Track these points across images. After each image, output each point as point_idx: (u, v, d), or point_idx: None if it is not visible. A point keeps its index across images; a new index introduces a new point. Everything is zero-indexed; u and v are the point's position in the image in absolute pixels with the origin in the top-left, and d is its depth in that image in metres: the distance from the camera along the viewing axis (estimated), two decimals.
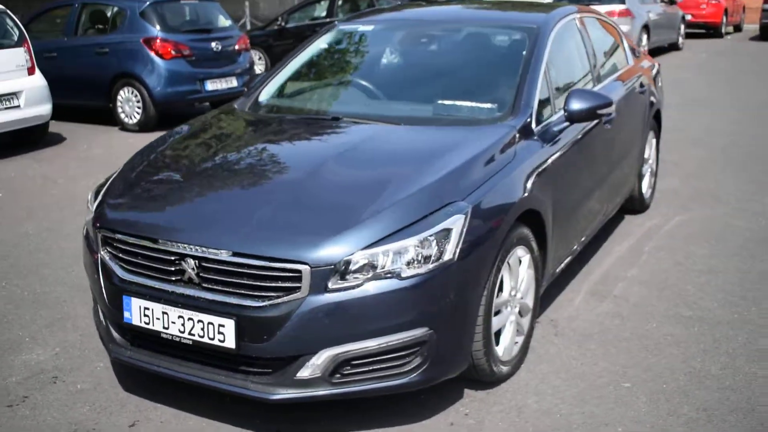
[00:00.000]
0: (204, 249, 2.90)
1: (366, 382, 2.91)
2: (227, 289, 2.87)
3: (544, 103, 3.89)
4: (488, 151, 3.38)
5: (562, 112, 3.87)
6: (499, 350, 3.28)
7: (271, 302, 2.79)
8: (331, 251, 2.81)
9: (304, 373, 2.84)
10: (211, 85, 9.77)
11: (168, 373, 3.07)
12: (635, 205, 5.72)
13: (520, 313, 3.46)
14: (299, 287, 2.78)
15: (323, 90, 4.57)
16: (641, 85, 5.37)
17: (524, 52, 4.04)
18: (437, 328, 2.91)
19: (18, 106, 8.13)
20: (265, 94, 4.38)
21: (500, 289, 3.27)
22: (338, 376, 2.87)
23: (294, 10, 14.40)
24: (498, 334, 3.30)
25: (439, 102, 3.99)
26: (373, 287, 2.80)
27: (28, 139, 8.67)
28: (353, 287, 2.80)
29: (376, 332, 2.84)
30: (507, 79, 3.93)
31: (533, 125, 3.71)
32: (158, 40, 9.33)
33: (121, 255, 3.14)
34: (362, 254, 2.82)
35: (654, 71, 5.99)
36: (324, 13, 13.84)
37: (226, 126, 4.13)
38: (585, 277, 4.62)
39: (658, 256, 4.96)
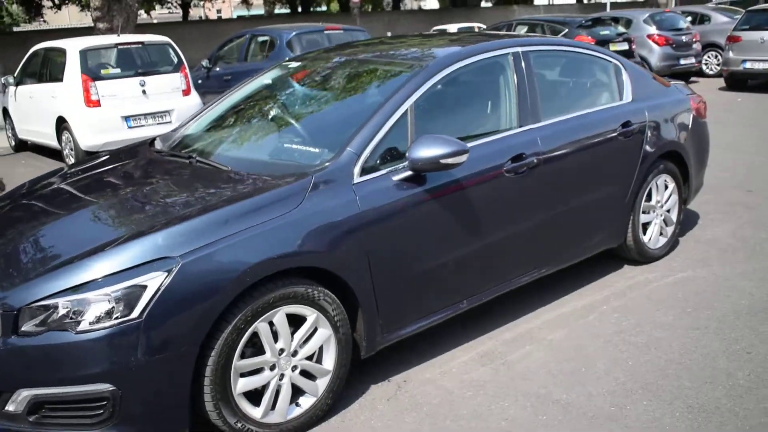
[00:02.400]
0: None
1: (62, 427, 2.58)
2: None
3: (391, 150, 3.18)
4: (255, 203, 2.81)
5: None
6: None
7: None
8: (15, 297, 2.54)
9: (10, 407, 2.58)
10: None
11: None
12: (631, 254, 4.53)
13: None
14: None
15: (214, 129, 3.97)
16: (626, 125, 4.22)
17: (391, 92, 3.35)
18: (123, 386, 2.49)
19: (169, 122, 8.74)
20: (183, 131, 4.04)
21: (259, 352, 2.77)
22: (36, 416, 2.57)
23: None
24: None
25: (283, 145, 3.45)
26: (51, 337, 2.48)
27: None
28: (35, 334, 2.50)
29: (62, 381, 2.50)
30: (359, 121, 3.25)
31: (355, 174, 3.04)
32: None
33: None
34: (43, 303, 2.50)
35: (679, 108, 4.72)
36: None
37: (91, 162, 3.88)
38: (497, 328, 3.74)
39: (604, 319, 3.85)
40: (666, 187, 4.65)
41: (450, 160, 3.08)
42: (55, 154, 9.35)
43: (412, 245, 3.17)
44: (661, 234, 4.71)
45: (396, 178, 3.11)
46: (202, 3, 34.51)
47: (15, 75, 9.75)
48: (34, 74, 9.28)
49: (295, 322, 2.89)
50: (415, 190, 3.15)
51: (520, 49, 3.83)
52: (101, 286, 2.51)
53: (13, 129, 10.10)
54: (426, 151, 3.06)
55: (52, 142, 8.92)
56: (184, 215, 2.76)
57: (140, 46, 8.77)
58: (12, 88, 9.73)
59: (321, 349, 2.98)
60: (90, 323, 2.48)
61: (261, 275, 2.69)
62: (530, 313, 3.98)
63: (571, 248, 4.06)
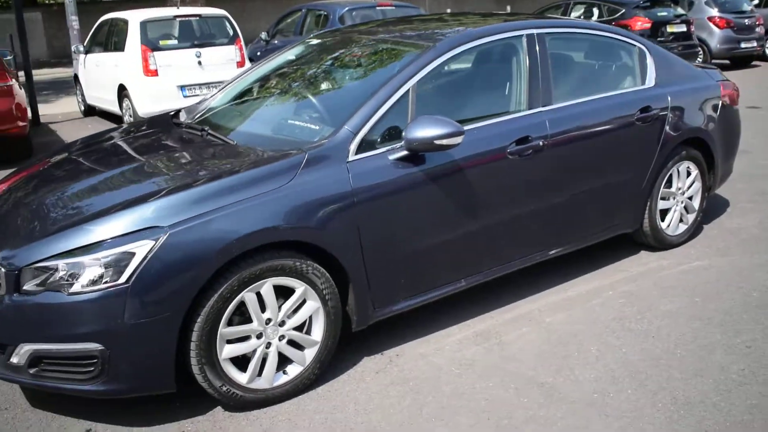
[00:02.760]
0: None
1: (58, 381, 2.70)
2: None
3: (391, 129, 3.11)
4: (247, 177, 2.81)
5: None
6: None
7: None
8: (19, 257, 2.64)
9: (14, 359, 2.71)
10: None
11: None
12: (648, 240, 4.34)
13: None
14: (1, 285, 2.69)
15: (234, 103, 3.97)
16: (646, 110, 4.02)
17: (395, 71, 3.27)
18: (111, 346, 2.57)
19: None
20: (207, 104, 4.04)
21: (247, 321, 2.79)
22: (36, 369, 2.69)
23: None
24: None
25: (287, 122, 3.42)
26: (47, 297, 2.57)
27: None
28: (34, 294, 2.60)
29: (56, 338, 2.61)
30: (362, 99, 3.17)
31: (351, 152, 3.01)
32: None
33: None
34: (43, 264, 2.59)
35: (707, 95, 4.44)
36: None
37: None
38: (495, 309, 3.66)
39: (608, 304, 3.72)
40: (688, 174, 4.43)
41: (445, 141, 3.00)
42: (118, 119, 9.64)
43: (407, 223, 3.13)
44: (681, 221, 4.50)
45: (393, 157, 3.06)
46: None
47: (85, 44, 10.05)
48: (101, 43, 9.54)
49: (285, 293, 2.91)
50: (412, 169, 3.09)
51: (535, 31, 3.68)
52: (95, 250, 2.58)
53: (82, 95, 10.45)
54: (422, 131, 2.99)
55: (114, 108, 9.20)
56: (178, 187, 2.79)
57: (198, 18, 8.89)
58: (82, 56, 10.04)
59: (310, 320, 2.99)
60: (82, 286, 2.56)
61: (246, 248, 2.71)
62: (535, 295, 3.88)
63: (580, 231, 3.93)
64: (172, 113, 4.07)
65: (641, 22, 11.02)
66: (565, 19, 4.26)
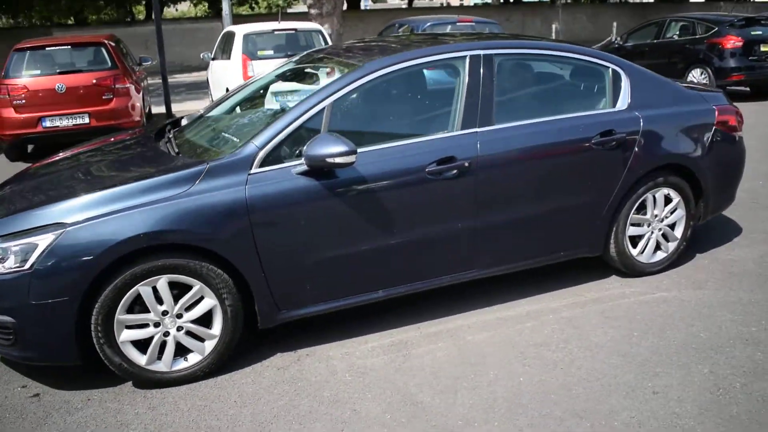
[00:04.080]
0: None
1: None
2: None
3: (301, 145, 2.90)
4: (151, 183, 2.77)
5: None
6: None
7: None
8: None
9: None
10: None
11: None
12: (617, 266, 3.76)
13: None
14: None
15: (210, 115, 3.84)
16: (607, 134, 3.43)
17: (317, 90, 3.03)
18: (20, 319, 2.68)
19: None
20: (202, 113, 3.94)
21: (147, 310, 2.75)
22: None
23: (632, 31, 12.17)
24: None
25: (222, 134, 3.30)
26: None
27: None
28: None
29: None
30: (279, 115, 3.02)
31: (255, 165, 2.85)
32: None
33: None
34: None
35: (696, 120, 3.72)
36: (653, 37, 11.42)
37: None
38: (408, 323, 3.33)
39: (539, 329, 3.25)
40: (669, 201, 3.77)
41: (337, 160, 2.78)
42: None
43: (309, 234, 2.93)
44: (660, 249, 3.85)
45: (295, 171, 2.89)
46: None
47: (212, 52, 10.62)
48: (222, 51, 10.02)
49: (187, 289, 2.85)
50: (315, 183, 2.89)
51: (482, 52, 3.28)
52: (16, 238, 2.69)
53: (211, 96, 11.06)
54: (317, 149, 2.80)
55: None
56: (90, 189, 2.83)
57: (294, 32, 9.02)
58: (211, 62, 10.62)
59: (211, 314, 2.91)
60: (5, 267, 2.68)
61: (135, 247, 2.68)
62: (475, 310, 3.51)
63: (522, 254, 3.47)
64: (175, 120, 4.12)
65: (733, 41, 9.60)
66: (528, 39, 3.73)
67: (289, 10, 31.16)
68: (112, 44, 7.78)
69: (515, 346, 3.14)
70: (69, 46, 7.39)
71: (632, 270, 3.80)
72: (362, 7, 32.41)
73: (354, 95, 3.07)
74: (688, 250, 4.09)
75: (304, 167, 2.87)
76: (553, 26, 21.32)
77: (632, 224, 3.72)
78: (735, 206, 4.94)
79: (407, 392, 2.81)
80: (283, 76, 3.83)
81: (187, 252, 2.79)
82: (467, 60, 3.26)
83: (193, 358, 2.94)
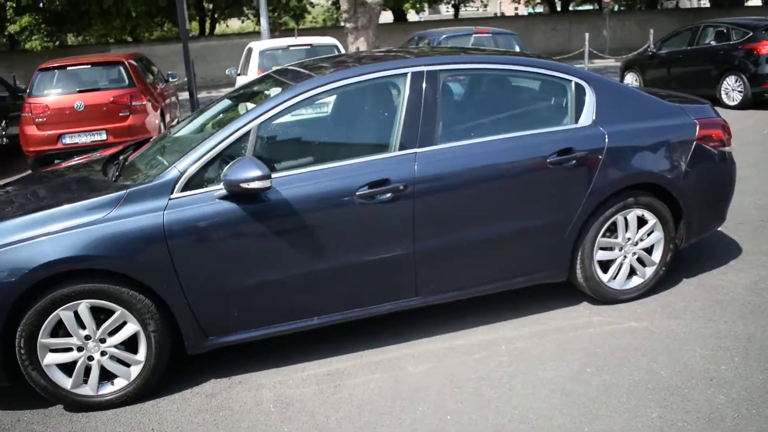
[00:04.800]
0: None
1: None
2: None
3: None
4: (72, 209, 2.73)
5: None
6: None
7: None
8: None
9: None
10: None
11: None
12: (587, 292, 3.48)
13: None
14: None
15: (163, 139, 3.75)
16: (566, 152, 3.16)
17: (244, 112, 2.92)
18: None
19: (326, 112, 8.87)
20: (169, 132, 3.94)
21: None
22: None
23: (667, 38, 11.58)
24: None
25: (157, 158, 3.21)
26: None
27: None
28: None
29: None
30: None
31: (176, 189, 2.77)
32: None
33: None
34: None
35: (673, 135, 3.38)
36: (686, 44, 10.80)
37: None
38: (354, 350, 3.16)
39: (486, 361, 3.01)
40: (644, 223, 3.46)
41: (252, 185, 2.67)
42: None
43: (234, 259, 2.83)
44: (636, 274, 3.54)
45: (217, 195, 2.79)
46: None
47: (239, 68, 10.76)
48: (243, 67, 10.11)
49: (110, 314, 2.79)
50: (236, 208, 2.78)
51: (426, 69, 3.10)
52: None
53: None
54: (233, 173, 2.70)
55: None
56: (16, 214, 2.82)
57: (309, 47, 9.01)
58: (237, 78, 10.76)
59: (136, 339, 2.85)
60: None
61: (54, 271, 2.65)
62: (423, 338, 3.30)
63: (472, 280, 3.23)
64: (146, 139, 4.08)
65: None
66: (481, 54, 3.51)
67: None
68: (132, 63, 7.99)
69: (454, 380, 2.92)
70: (89, 66, 7.64)
71: (603, 297, 3.50)
72: (419, 18, 32.22)
73: (283, 117, 2.95)
74: (673, 274, 3.75)
75: (223, 192, 2.78)
76: (603, 32, 20.64)
77: (601, 248, 3.43)
78: (741, 225, 4.53)
79: (325, 427, 2.65)
80: (239, 96, 3.75)
81: (110, 277, 2.74)
82: (408, 77, 3.08)
83: (120, 383, 2.88)
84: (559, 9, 29.86)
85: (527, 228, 3.22)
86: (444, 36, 9.24)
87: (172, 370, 3.05)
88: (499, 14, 44.80)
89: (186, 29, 9.64)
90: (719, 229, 4.47)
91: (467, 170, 3.06)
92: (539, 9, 34.92)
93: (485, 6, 35.39)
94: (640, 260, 3.53)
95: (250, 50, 9.63)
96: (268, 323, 2.99)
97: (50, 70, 7.51)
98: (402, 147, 3.01)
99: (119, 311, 2.77)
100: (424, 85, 3.08)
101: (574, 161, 3.21)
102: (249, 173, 2.66)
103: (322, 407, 2.79)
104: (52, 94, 7.36)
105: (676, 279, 3.76)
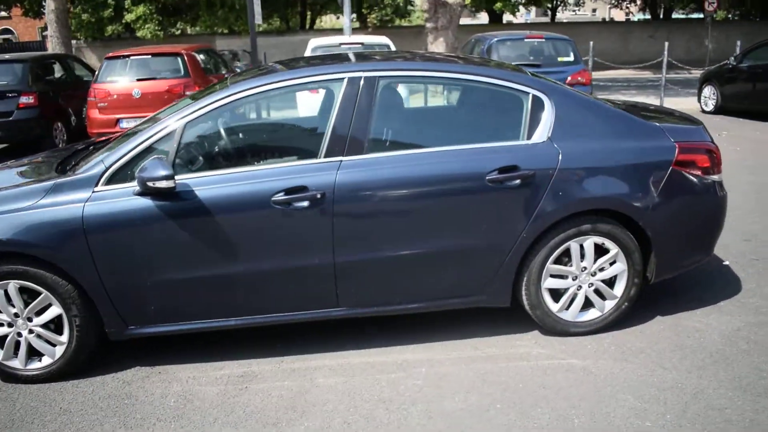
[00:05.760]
0: None
1: None
2: None
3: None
4: (6, 194, 2.87)
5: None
6: None
7: None
8: None
9: None
10: None
11: None
12: (537, 321, 3.18)
13: None
14: None
15: None
16: (509, 170, 2.87)
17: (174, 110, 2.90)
18: None
19: None
20: None
21: None
22: None
23: (749, 50, 10.34)
24: None
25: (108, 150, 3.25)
26: None
27: None
28: None
29: None
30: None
31: (100, 183, 2.83)
32: None
33: None
34: None
35: (644, 158, 2.99)
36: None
37: None
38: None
39: (401, 382, 2.84)
40: (603, 252, 3.10)
41: (157, 184, 2.68)
42: None
43: (148, 254, 2.86)
44: (593, 306, 3.19)
45: (134, 192, 2.82)
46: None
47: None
48: None
49: (38, 295, 2.93)
50: (150, 205, 2.81)
51: (364, 74, 2.94)
52: None
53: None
54: (143, 172, 2.72)
55: None
56: None
57: (360, 45, 8.91)
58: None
59: (62, 321, 2.97)
60: None
61: None
62: (350, 351, 3.17)
63: (399, 296, 3.05)
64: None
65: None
66: (429, 61, 3.25)
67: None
68: (192, 54, 8.33)
69: (355, 398, 2.79)
70: (150, 56, 8.07)
71: (552, 328, 3.19)
72: (524, 20, 30.99)
73: (213, 117, 2.93)
74: (647, 309, 3.36)
75: (139, 188, 2.82)
76: (706, 42, 18.86)
77: (552, 275, 3.12)
78: (756, 261, 3.96)
79: (209, 429, 2.63)
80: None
81: (37, 262, 2.87)
82: (344, 82, 2.95)
83: (46, 360, 3.03)
84: (661, 17, 27.65)
85: (462, 248, 2.99)
86: (495, 40, 8.80)
87: (114, 352, 3.18)
88: (608, 19, 42.21)
89: (255, 23, 9.93)
90: (726, 263, 3.96)
91: (393, 182, 2.89)
92: (641, 15, 32.46)
93: (594, 11, 33.39)
94: (598, 292, 3.18)
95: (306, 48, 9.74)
96: (186, 319, 3.00)
97: (116, 59, 8.03)
98: (329, 154, 2.90)
99: (44, 294, 2.90)
100: (359, 91, 2.93)
101: (518, 180, 2.93)
102: (155, 172, 2.69)
103: (216, 409, 2.77)
104: (114, 81, 7.87)
105: (647, 315, 3.36)
